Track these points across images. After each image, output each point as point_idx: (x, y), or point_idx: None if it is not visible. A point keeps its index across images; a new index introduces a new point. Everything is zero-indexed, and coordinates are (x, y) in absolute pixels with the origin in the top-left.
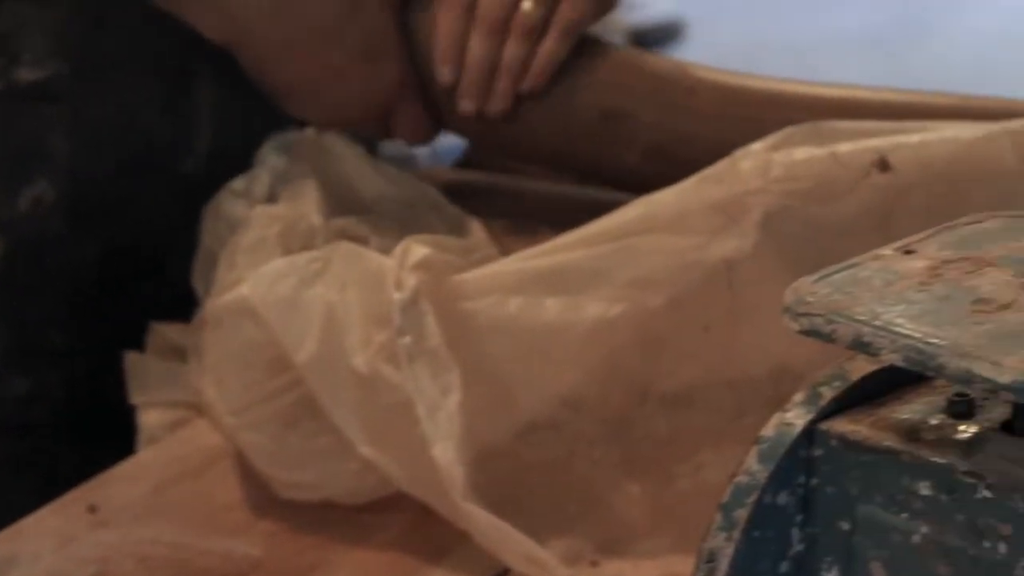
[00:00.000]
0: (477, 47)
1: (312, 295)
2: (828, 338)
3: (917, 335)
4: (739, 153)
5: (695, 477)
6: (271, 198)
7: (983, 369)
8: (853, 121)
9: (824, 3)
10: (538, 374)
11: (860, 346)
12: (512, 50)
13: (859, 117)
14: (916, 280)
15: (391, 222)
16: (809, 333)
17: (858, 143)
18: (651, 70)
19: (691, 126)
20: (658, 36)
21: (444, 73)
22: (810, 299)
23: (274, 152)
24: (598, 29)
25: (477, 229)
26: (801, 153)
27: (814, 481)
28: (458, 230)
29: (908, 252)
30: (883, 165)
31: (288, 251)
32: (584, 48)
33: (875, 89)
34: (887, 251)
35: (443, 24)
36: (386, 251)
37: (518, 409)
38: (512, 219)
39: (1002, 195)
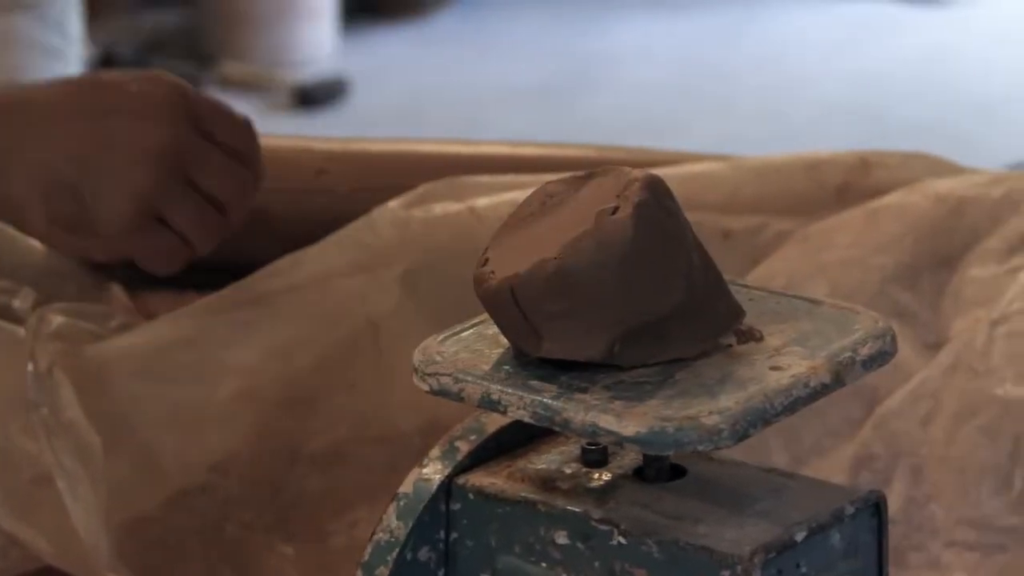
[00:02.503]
0: None
1: None
2: (457, 398)
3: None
4: (377, 211)
5: (350, 534)
6: None
7: (607, 423)
8: (491, 176)
9: (492, 57)
10: (184, 440)
11: (489, 404)
12: None
13: (497, 172)
14: None
15: (29, 291)
16: (439, 393)
17: (496, 196)
18: (276, 158)
19: (325, 207)
20: (323, 93)
21: None
22: (438, 359)
23: None
24: (261, 88)
25: (118, 294)
26: (439, 208)
27: (454, 535)
28: (97, 296)
29: None
30: None
31: None
32: None
33: (512, 144)
34: None
35: None
36: (23, 321)
37: (165, 475)
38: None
39: None
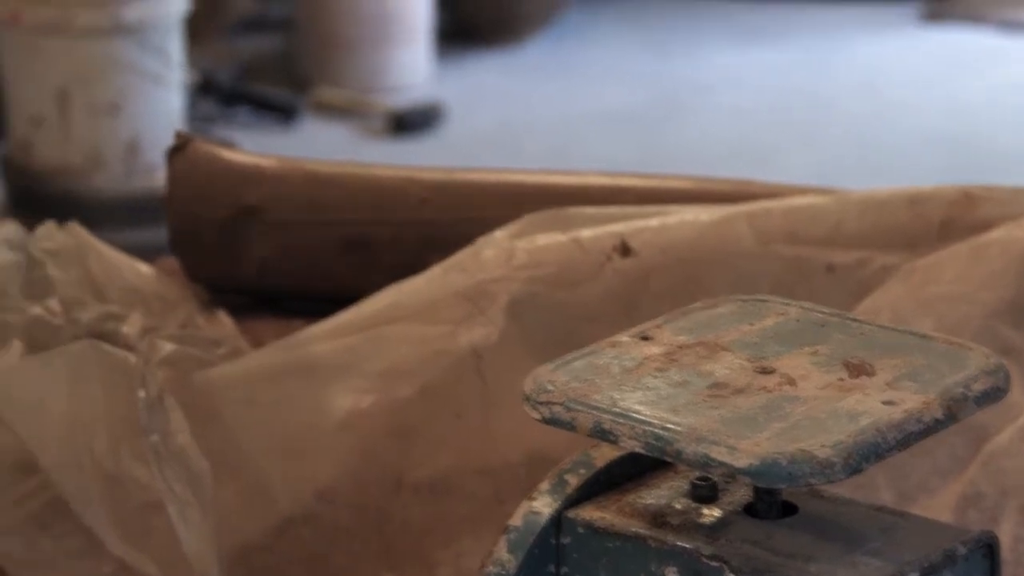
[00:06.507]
0: None
1: (57, 395)
2: (569, 426)
3: (655, 421)
4: (482, 241)
5: (456, 565)
6: (2, 293)
7: (720, 454)
8: (594, 207)
9: (584, 84)
10: (291, 468)
11: (600, 434)
12: None
13: (599, 203)
14: (653, 366)
15: (139, 316)
16: (550, 422)
17: (599, 228)
18: (381, 188)
19: (430, 236)
20: (418, 119)
21: None
22: (549, 387)
23: (1, 247)
24: (356, 114)
25: (225, 320)
26: (543, 239)
27: (564, 569)
28: (206, 322)
29: (644, 338)
30: (624, 249)
31: (32, 349)
32: (316, 177)
33: (613, 175)
34: (624, 337)
35: None
36: (133, 347)
37: (273, 503)
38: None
39: (740, 276)
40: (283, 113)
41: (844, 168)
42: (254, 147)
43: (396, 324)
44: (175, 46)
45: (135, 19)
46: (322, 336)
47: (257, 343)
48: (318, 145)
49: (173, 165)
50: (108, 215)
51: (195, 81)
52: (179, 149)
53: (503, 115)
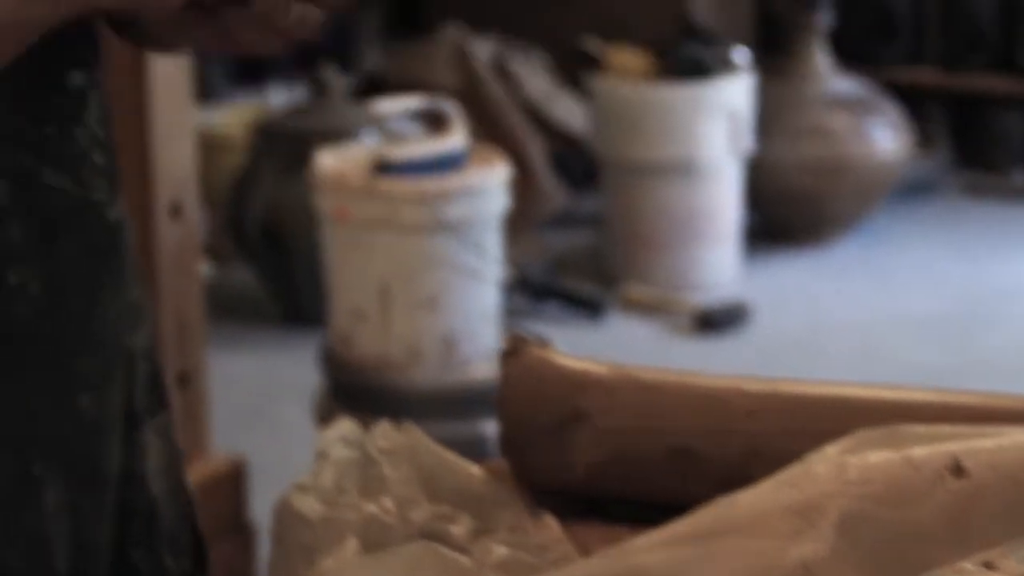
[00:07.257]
0: None
1: None
2: None
3: None
4: (814, 456)
5: None
6: (339, 491)
7: None
8: (928, 426)
9: (890, 287)
10: None
11: None
12: None
13: (925, 419)
14: None
15: (469, 518)
16: None
17: (932, 447)
18: (708, 397)
19: (755, 448)
20: (724, 318)
21: None
22: None
23: (338, 444)
24: (663, 311)
25: (552, 525)
26: (875, 456)
27: None
28: (533, 526)
29: (988, 566)
30: (957, 470)
31: (366, 548)
32: (644, 384)
33: (941, 391)
34: (968, 565)
35: None
36: (464, 549)
37: None
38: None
39: None
40: (591, 309)
41: None
42: (563, 342)
43: (726, 537)
44: (493, 242)
45: (457, 217)
46: (651, 546)
47: (583, 549)
48: (625, 341)
49: (506, 369)
50: (424, 408)
51: (509, 276)
52: (512, 353)
53: (808, 316)
